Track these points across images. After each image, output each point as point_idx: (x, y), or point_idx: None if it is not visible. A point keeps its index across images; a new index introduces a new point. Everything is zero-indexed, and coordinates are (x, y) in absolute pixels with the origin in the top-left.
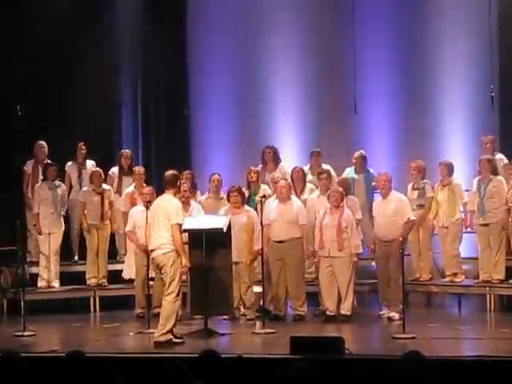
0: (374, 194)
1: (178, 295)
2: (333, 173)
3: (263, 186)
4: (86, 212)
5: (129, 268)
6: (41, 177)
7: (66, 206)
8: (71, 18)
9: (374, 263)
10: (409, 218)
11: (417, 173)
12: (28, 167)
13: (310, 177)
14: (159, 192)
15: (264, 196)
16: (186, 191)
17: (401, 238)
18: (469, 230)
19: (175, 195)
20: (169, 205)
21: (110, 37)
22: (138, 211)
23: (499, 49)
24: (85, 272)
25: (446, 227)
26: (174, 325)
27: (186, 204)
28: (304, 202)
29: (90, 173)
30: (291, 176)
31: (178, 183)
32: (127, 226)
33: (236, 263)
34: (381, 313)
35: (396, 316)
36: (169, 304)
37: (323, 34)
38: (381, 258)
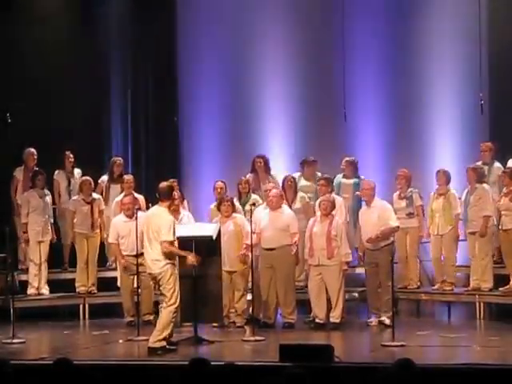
0: (363, 202)
1: (177, 306)
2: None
3: (253, 196)
4: (75, 221)
5: None
6: (30, 184)
7: (55, 214)
8: (59, 21)
9: (360, 270)
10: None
11: (404, 181)
12: (18, 174)
13: (302, 182)
14: (148, 199)
15: (254, 204)
16: (175, 199)
17: (379, 235)
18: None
19: (170, 207)
20: (162, 220)
21: (98, 43)
22: (120, 221)
23: (489, 56)
24: (74, 279)
25: (441, 235)
26: (171, 333)
27: (175, 212)
28: (295, 211)
29: (80, 182)
30: (282, 185)
31: (172, 195)
32: (110, 238)
33: (229, 272)
34: (368, 321)
35: (387, 320)
36: (168, 313)
37: (312, 41)
38: (369, 265)
